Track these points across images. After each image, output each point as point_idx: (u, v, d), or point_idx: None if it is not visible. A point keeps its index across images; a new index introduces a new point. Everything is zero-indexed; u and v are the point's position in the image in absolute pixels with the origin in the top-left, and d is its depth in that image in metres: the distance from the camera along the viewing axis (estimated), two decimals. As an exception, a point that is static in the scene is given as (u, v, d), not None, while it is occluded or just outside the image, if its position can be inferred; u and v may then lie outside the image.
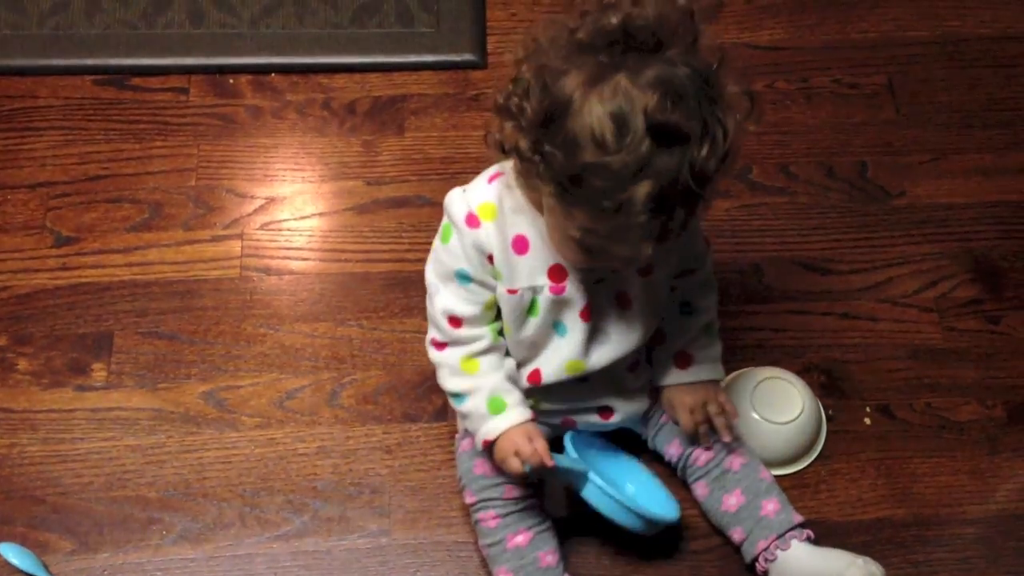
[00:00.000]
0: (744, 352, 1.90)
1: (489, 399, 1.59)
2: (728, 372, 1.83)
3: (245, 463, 1.84)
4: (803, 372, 1.91)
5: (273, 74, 2.26)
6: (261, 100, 2.23)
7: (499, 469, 1.64)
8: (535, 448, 1.56)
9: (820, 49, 2.32)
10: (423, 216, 2.08)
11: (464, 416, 1.63)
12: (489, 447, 1.61)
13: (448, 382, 1.62)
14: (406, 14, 2.32)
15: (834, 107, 2.24)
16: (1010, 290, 2.04)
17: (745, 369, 1.87)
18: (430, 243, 1.60)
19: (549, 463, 1.56)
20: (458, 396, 1.62)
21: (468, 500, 1.71)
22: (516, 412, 1.59)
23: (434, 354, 1.63)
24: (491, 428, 1.59)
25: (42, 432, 1.86)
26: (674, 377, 1.72)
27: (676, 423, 1.75)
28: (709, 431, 1.73)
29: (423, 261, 1.61)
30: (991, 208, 2.13)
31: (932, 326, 1.99)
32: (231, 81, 2.25)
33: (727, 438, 1.72)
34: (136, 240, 2.05)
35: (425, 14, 2.32)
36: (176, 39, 2.28)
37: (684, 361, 1.71)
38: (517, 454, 1.56)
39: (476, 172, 1.54)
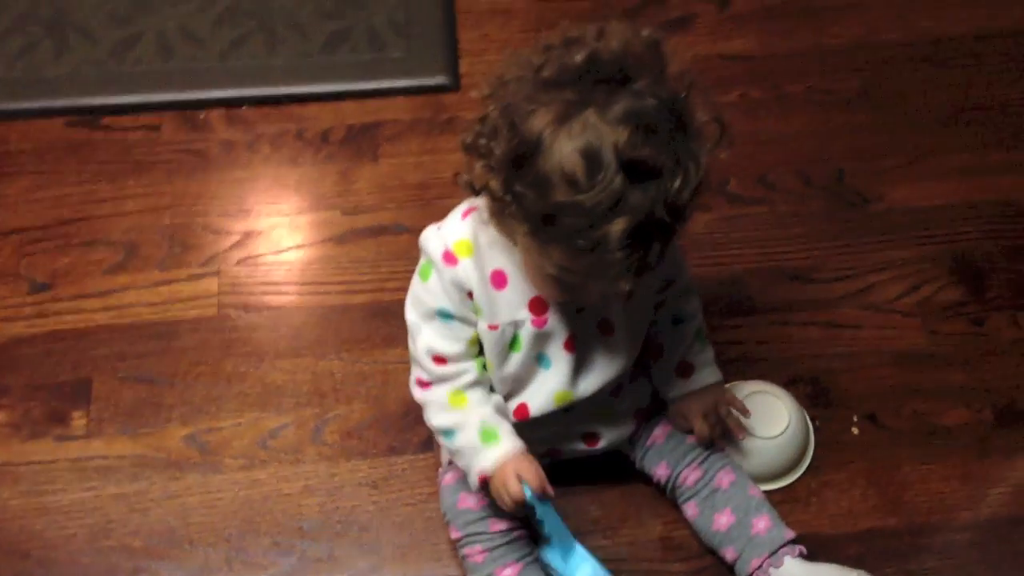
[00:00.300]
0: (729, 366, 1.87)
1: (481, 431, 1.56)
2: (714, 387, 1.82)
3: (230, 506, 1.82)
4: (789, 384, 1.89)
5: (245, 106, 2.25)
6: (233, 133, 2.22)
7: (485, 502, 1.63)
8: (538, 471, 1.54)
9: (792, 56, 2.31)
10: (401, 244, 2.06)
11: (456, 452, 1.60)
12: (484, 483, 1.58)
13: (436, 419, 1.60)
14: (376, 40, 2.31)
15: (809, 114, 2.24)
16: (993, 291, 2.02)
17: (730, 384, 1.86)
18: (409, 271, 1.58)
19: (550, 490, 1.54)
20: (448, 432, 1.59)
21: (454, 535, 1.69)
22: (510, 441, 1.56)
23: (420, 393, 1.61)
24: (486, 459, 1.56)
25: (24, 485, 1.84)
26: (681, 387, 1.71)
27: (688, 432, 1.74)
28: (722, 435, 1.74)
29: (403, 290, 1.59)
30: (970, 209, 2.11)
31: (916, 331, 1.98)
32: (202, 116, 2.24)
33: (741, 436, 1.73)
34: (112, 283, 2.03)
35: (396, 38, 2.31)
36: (146, 76, 2.27)
37: (686, 371, 1.70)
38: (519, 476, 1.53)
39: (453, 197, 1.53)
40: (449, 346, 1.55)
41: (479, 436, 1.56)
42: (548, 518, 1.59)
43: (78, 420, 1.90)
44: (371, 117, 2.24)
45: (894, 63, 2.30)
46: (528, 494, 1.53)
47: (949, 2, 2.39)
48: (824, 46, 2.33)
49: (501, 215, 1.36)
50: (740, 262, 2.05)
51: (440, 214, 1.57)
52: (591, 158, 1.25)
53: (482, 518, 1.66)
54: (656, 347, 1.69)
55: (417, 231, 1.53)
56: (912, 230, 2.09)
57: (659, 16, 2.37)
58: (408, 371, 1.63)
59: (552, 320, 1.52)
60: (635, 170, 1.25)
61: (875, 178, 2.15)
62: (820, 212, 2.11)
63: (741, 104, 2.25)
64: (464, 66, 2.29)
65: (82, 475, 1.85)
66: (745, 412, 1.74)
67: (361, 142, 2.20)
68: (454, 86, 2.27)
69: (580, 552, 1.66)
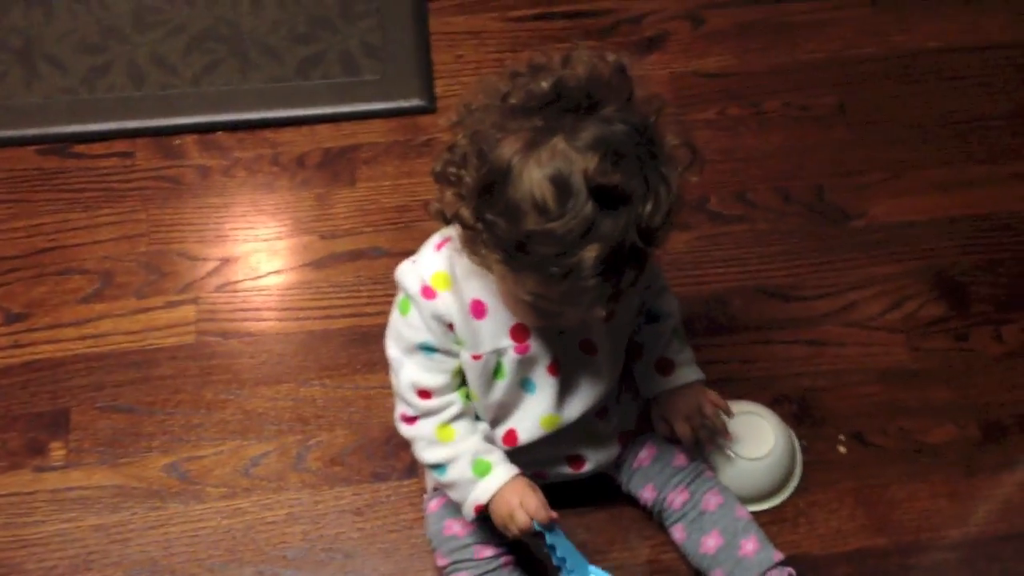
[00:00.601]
0: (712, 386, 1.85)
1: (473, 462, 1.55)
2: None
3: (212, 536, 1.80)
4: (774, 403, 1.89)
5: (219, 132, 2.23)
6: (208, 159, 2.20)
7: (471, 528, 1.61)
8: (539, 499, 1.53)
9: (769, 73, 2.31)
10: (380, 268, 2.05)
11: (449, 486, 1.59)
12: (481, 511, 1.57)
13: (426, 454, 1.58)
14: (351, 63, 2.30)
15: (787, 131, 2.23)
16: (975, 305, 2.02)
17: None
18: (388, 295, 1.57)
19: (554, 515, 1.53)
20: (439, 467, 1.57)
21: (440, 563, 1.68)
22: (503, 469, 1.55)
23: (406, 429, 1.59)
24: (482, 491, 1.55)
25: (2, 517, 1.82)
26: (662, 384, 1.69)
27: (672, 441, 1.73)
28: (707, 436, 1.74)
29: (383, 315, 1.58)
30: (951, 224, 2.11)
31: (900, 347, 1.97)
32: (176, 142, 2.21)
33: (728, 437, 1.75)
34: (88, 312, 2.01)
35: (370, 61, 2.30)
36: (118, 103, 2.24)
37: (667, 368, 1.69)
38: (523, 506, 1.52)
39: (431, 220, 1.50)
40: (433, 379, 1.53)
41: (472, 468, 1.55)
42: (559, 543, 1.57)
43: (56, 451, 1.87)
44: (347, 140, 2.22)
45: (870, 78, 2.30)
46: (536, 525, 1.52)
47: (920, 17, 2.38)
48: (800, 62, 2.32)
49: (473, 244, 1.34)
50: (721, 281, 2.05)
51: (418, 237, 1.56)
52: (561, 185, 1.24)
53: (468, 545, 1.65)
54: (635, 346, 1.67)
55: (396, 254, 1.53)
56: (893, 246, 2.09)
57: (633, 35, 2.36)
58: (391, 397, 1.61)
59: (535, 345, 1.51)
60: (605, 196, 1.24)
61: (855, 194, 2.15)
62: (800, 229, 2.11)
63: (719, 121, 2.24)
64: (440, 87, 2.28)
65: (61, 506, 1.83)
66: (729, 412, 1.73)
67: (338, 166, 2.19)
68: (430, 108, 2.26)
69: (597, 573, 1.65)
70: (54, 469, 1.86)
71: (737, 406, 1.83)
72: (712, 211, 2.13)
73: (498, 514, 1.55)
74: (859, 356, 1.97)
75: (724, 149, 2.20)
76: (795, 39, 2.35)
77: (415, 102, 2.26)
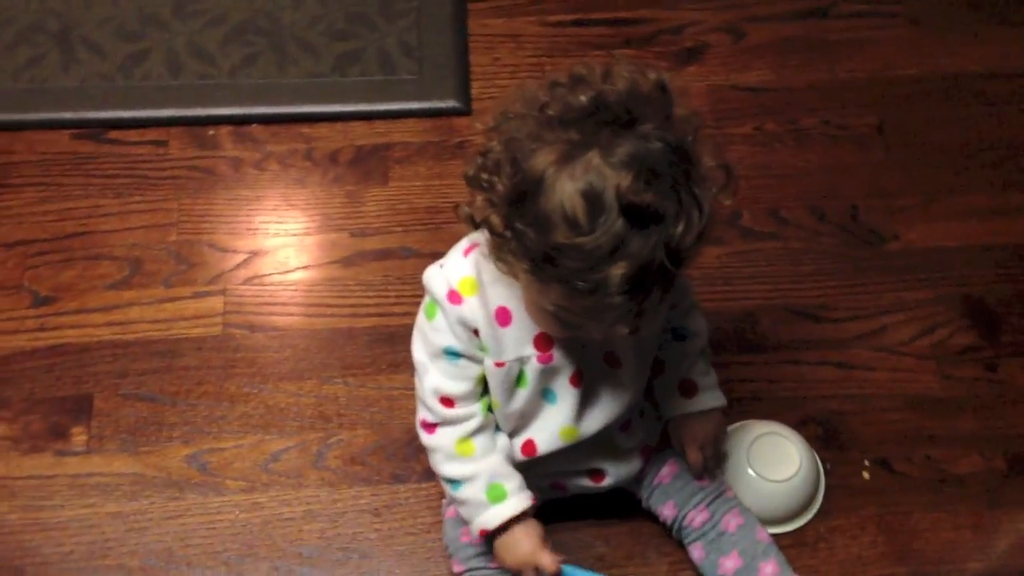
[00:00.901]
0: (739, 404, 1.86)
1: (488, 486, 1.54)
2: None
3: (229, 529, 1.80)
4: (800, 425, 1.87)
5: (254, 124, 2.23)
6: (242, 151, 2.19)
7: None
8: (546, 554, 1.54)
9: (808, 90, 2.29)
10: (408, 268, 2.04)
11: (460, 502, 1.58)
12: (487, 534, 1.57)
13: (443, 467, 1.57)
14: (388, 62, 2.29)
15: (824, 149, 2.22)
16: (1007, 335, 2.00)
17: (740, 424, 1.84)
18: (416, 296, 1.56)
19: (560, 557, 1.55)
20: (454, 483, 1.57)
21: (456, 569, 1.67)
22: (516, 500, 1.55)
23: (426, 438, 1.58)
24: (491, 517, 1.54)
25: (21, 499, 1.82)
26: (683, 407, 1.67)
27: (681, 456, 1.71)
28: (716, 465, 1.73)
29: (410, 315, 1.57)
30: (986, 252, 2.09)
31: (929, 374, 1.96)
32: (211, 132, 2.21)
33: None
34: (116, 299, 2.01)
35: (407, 61, 2.29)
36: (154, 91, 2.24)
37: (689, 390, 1.67)
38: (534, 556, 1.54)
39: (460, 223, 1.50)
40: (456, 386, 1.53)
41: (486, 492, 1.54)
42: (573, 573, 1.58)
43: (78, 436, 1.87)
44: (381, 139, 2.21)
45: (910, 100, 2.28)
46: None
47: (964, 41, 2.37)
48: (840, 80, 2.31)
49: (501, 251, 1.33)
50: (752, 298, 2.03)
51: (448, 239, 1.55)
52: (593, 201, 1.22)
53: (484, 553, 1.65)
54: (657, 362, 1.65)
55: (425, 255, 1.52)
56: (926, 271, 2.07)
57: (673, 45, 2.35)
58: (414, 399, 1.60)
59: (558, 355, 1.49)
60: (637, 215, 1.22)
61: (890, 216, 2.13)
62: (833, 250, 2.09)
63: (755, 136, 2.23)
64: (476, 89, 2.27)
65: (81, 492, 1.83)
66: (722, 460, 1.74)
67: (370, 164, 2.18)
68: (466, 110, 2.25)
69: None
70: (75, 454, 1.86)
71: (762, 426, 1.81)
72: (744, 227, 2.11)
73: (505, 551, 1.56)
74: (887, 381, 1.95)
75: (759, 165, 2.19)
76: (835, 57, 2.34)
77: (450, 103, 2.25)
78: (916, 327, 2.01)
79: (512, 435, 1.58)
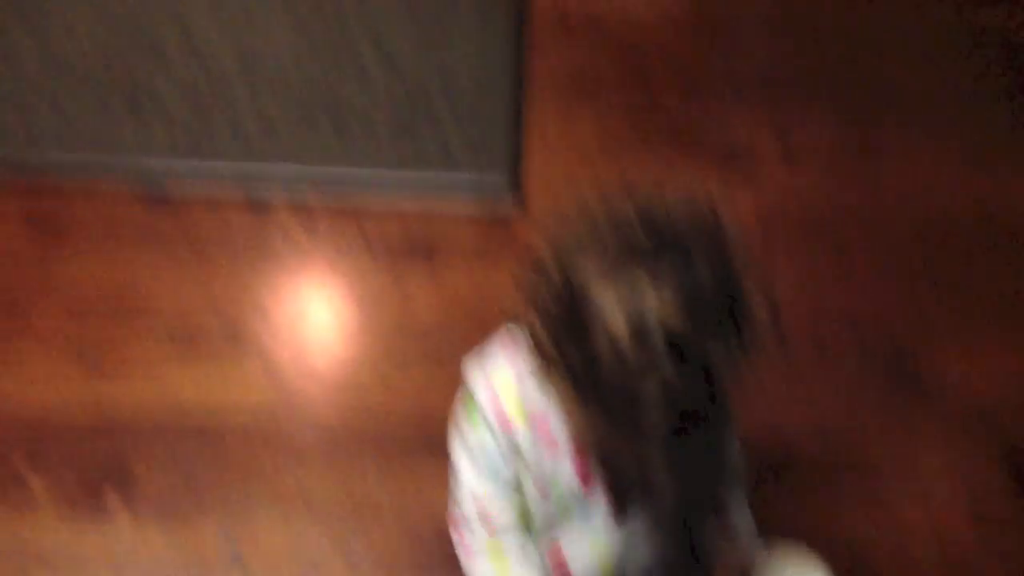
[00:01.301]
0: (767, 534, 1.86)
1: None
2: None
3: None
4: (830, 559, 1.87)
5: (310, 199, 2.26)
6: (295, 226, 2.22)
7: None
8: None
9: (857, 219, 2.30)
10: (452, 364, 2.04)
11: None
12: None
13: (473, 570, 1.58)
14: (447, 156, 2.32)
15: (871, 280, 2.22)
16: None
17: (769, 559, 1.83)
18: (455, 388, 1.57)
19: None
20: None
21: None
22: None
23: (457, 537, 1.60)
24: None
25: (50, 562, 1.84)
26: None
27: None
28: None
29: (447, 408, 1.59)
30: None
31: (967, 530, 1.94)
32: (267, 203, 2.24)
33: None
34: (162, 366, 2.04)
35: (466, 157, 2.32)
36: (215, 156, 2.28)
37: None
38: None
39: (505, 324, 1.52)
40: (492, 488, 1.53)
41: None
42: None
43: (114, 504, 1.89)
44: (433, 230, 2.24)
45: (960, 236, 2.29)
46: None
47: (1015, 176, 2.38)
48: (889, 208, 2.32)
49: (546, 370, 1.34)
50: (788, 422, 2.03)
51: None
52: (637, 327, 1.22)
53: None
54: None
55: (469, 351, 1.52)
56: (970, 422, 2.05)
57: (725, 168, 2.37)
58: (446, 496, 1.61)
59: (599, 490, 1.50)
60: (679, 345, 1.24)
61: (932, 360, 2.13)
62: (873, 385, 2.09)
63: (801, 260, 2.24)
64: (530, 190, 2.29)
65: (111, 558, 1.84)
66: None
67: (420, 257, 2.20)
68: (518, 210, 2.27)
69: None
70: (110, 523, 1.88)
71: (793, 559, 1.81)
72: (786, 350, 2.12)
73: None
74: (923, 533, 1.94)
75: (801, 285, 2.20)
76: (886, 188, 2.35)
77: (504, 203, 2.28)
78: (955, 480, 1.99)
79: (543, 532, 1.59)
